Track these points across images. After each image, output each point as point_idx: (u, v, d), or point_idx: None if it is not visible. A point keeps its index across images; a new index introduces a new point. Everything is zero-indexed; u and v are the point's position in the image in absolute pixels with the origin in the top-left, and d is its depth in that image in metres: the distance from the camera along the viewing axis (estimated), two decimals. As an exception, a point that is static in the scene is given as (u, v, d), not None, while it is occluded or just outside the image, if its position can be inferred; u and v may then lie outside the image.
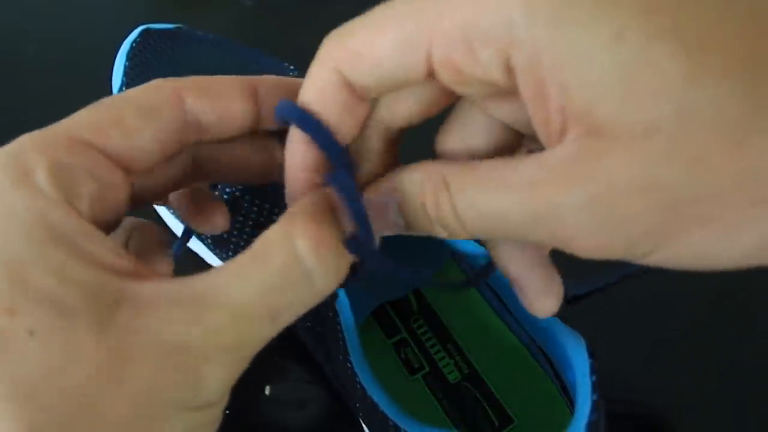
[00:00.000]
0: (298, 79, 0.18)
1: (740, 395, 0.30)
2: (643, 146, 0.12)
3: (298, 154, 0.17)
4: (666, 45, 0.12)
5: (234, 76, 0.18)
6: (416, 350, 0.29)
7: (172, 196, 0.21)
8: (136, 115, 0.16)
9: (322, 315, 0.26)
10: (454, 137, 0.17)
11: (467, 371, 0.28)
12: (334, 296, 0.24)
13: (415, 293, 0.31)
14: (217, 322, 0.14)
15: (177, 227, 0.32)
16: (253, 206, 0.27)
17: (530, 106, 0.14)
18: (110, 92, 0.39)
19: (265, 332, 0.15)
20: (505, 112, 0.16)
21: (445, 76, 0.15)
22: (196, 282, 0.15)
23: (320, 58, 0.16)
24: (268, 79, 0.19)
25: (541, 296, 0.18)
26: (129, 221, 0.20)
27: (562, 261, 0.18)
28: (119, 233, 0.19)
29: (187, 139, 0.18)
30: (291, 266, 0.15)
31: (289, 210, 0.16)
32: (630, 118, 0.12)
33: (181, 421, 0.14)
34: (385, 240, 0.31)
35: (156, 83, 0.17)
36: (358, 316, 0.28)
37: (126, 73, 0.32)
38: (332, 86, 0.16)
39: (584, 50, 0.12)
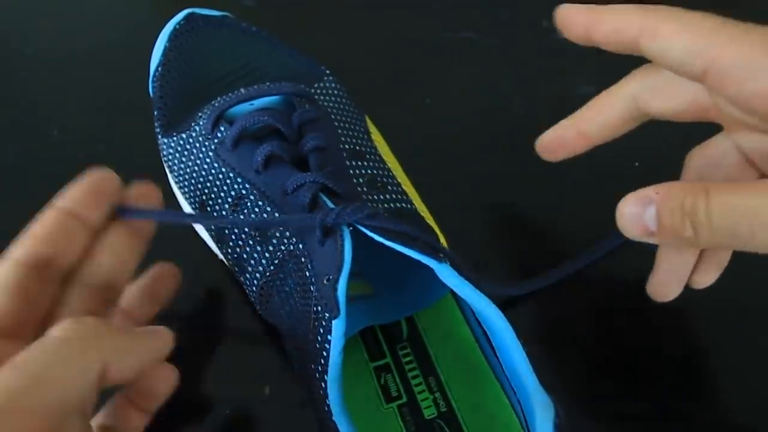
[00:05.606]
0: None
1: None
2: None
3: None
4: None
5: None
6: (397, 378, 0.29)
7: None
8: None
9: (311, 330, 0.25)
10: (700, 158, 0.25)
11: (444, 409, 0.28)
12: (334, 314, 0.24)
13: (408, 320, 0.30)
14: None
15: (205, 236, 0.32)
16: (256, 207, 0.27)
17: None
18: (111, 91, 0.39)
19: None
20: (748, 143, 0.23)
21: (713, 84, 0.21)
22: None
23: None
24: None
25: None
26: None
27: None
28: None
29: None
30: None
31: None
32: None
33: None
34: (385, 266, 0.30)
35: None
36: (345, 333, 0.27)
37: (165, 54, 0.33)
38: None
39: None
